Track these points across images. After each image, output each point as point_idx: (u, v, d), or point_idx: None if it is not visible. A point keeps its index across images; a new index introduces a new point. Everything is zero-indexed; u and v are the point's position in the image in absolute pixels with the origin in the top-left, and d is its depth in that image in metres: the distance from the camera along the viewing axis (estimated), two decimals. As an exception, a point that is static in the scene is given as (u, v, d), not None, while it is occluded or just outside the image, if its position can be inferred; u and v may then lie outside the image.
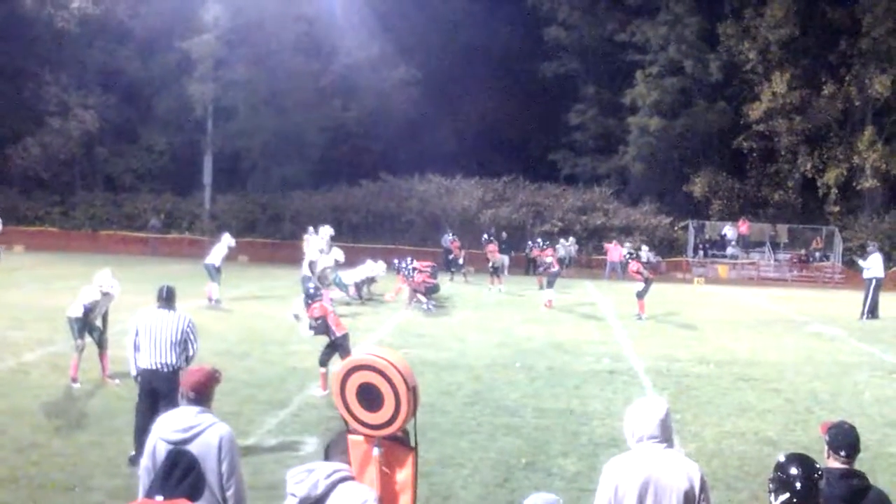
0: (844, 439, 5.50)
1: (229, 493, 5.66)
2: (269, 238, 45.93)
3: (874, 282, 26.53)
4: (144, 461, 5.80)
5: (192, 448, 5.63)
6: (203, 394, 5.90)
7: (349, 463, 5.13)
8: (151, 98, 48.19)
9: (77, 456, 10.15)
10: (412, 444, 5.47)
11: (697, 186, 48.60)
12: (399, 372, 5.23)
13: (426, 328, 21.12)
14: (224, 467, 5.64)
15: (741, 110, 47.83)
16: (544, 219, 47.13)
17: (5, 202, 46.09)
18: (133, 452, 9.74)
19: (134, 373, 10.06)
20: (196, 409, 5.80)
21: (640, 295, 24.44)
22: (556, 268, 26.81)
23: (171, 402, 9.34)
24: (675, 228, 47.76)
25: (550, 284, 26.45)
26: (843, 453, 5.45)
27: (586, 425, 12.41)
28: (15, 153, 46.47)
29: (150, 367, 9.80)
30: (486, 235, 33.92)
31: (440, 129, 50.24)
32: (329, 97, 49.19)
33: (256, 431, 11.44)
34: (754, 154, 49.19)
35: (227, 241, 24.88)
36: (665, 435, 5.07)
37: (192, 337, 9.94)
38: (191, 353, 9.92)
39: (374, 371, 5.27)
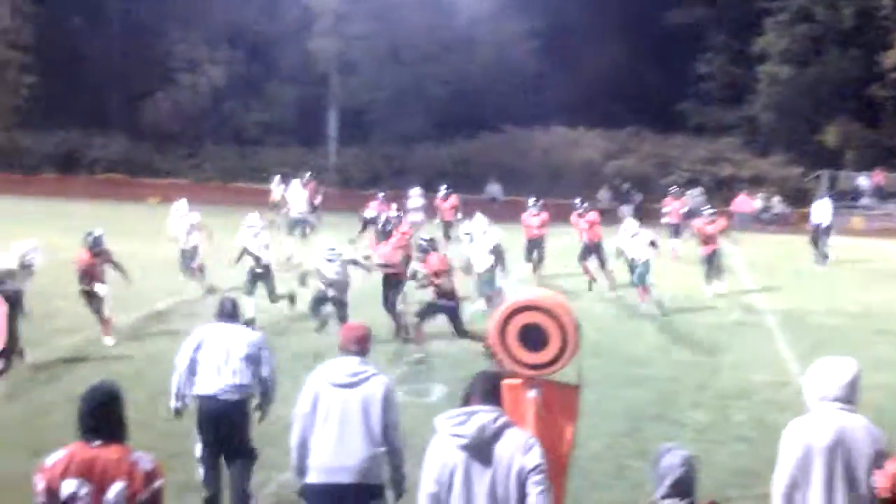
0: None
1: (391, 441, 5.90)
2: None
3: (819, 227, 26.30)
4: (305, 407, 5.93)
5: (358, 393, 5.85)
6: (363, 346, 6.18)
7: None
8: (276, 53, 49.00)
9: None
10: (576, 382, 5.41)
11: (830, 136, 47.00)
12: (566, 310, 5.19)
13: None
14: (390, 417, 5.89)
15: (875, 58, 45.93)
16: (670, 170, 46.24)
17: (138, 156, 47.85)
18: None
19: (176, 404, 7.90)
20: (357, 358, 6.06)
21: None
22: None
23: (242, 445, 7.79)
24: (807, 179, 46.32)
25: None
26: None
27: (716, 377, 12.19)
28: (146, 108, 48.00)
29: (212, 394, 7.63)
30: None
31: (561, 80, 49.60)
32: (449, 50, 49.14)
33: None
34: (889, 103, 47.32)
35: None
36: (852, 398, 4.89)
37: (266, 355, 7.86)
38: (266, 374, 7.79)
39: (538, 311, 5.22)
